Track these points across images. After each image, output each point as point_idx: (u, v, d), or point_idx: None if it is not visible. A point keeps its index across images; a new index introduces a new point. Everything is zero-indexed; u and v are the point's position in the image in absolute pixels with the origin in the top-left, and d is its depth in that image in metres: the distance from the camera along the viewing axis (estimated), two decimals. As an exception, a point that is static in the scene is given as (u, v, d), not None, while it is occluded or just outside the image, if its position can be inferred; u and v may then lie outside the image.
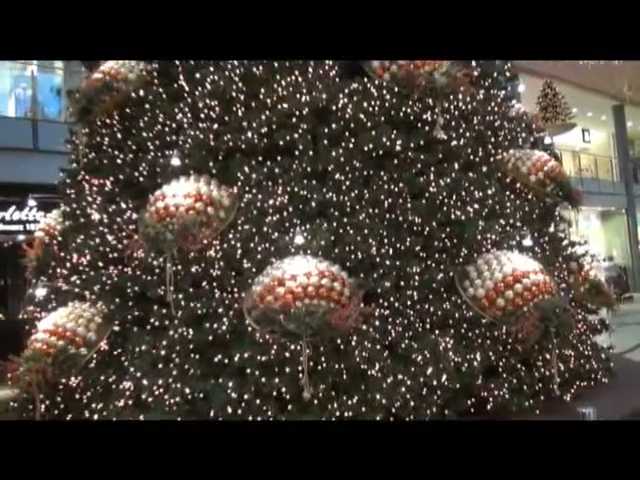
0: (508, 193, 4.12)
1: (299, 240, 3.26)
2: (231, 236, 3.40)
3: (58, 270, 4.02)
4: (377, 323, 3.22)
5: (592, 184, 19.99)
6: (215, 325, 3.21)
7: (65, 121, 9.44)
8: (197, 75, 3.80)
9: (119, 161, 3.93)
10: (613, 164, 22.48)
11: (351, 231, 3.39)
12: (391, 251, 3.47)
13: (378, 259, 3.40)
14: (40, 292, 3.85)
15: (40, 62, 12.91)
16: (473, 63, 4.38)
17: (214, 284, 3.39)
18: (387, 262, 3.42)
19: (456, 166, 3.82)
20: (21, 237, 9.05)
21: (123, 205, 3.75)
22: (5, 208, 8.97)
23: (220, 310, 3.26)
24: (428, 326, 3.43)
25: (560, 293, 3.64)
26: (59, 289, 3.94)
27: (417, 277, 3.44)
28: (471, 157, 4.00)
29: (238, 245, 3.37)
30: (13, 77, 11.90)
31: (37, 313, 4.10)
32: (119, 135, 3.96)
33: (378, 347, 3.18)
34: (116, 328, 3.51)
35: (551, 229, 4.49)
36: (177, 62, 3.92)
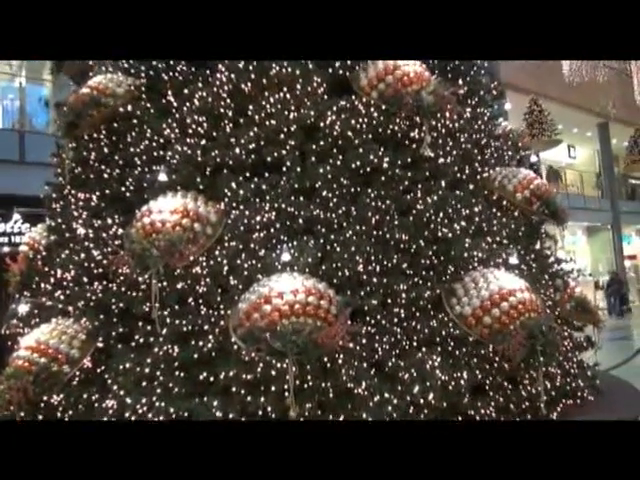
0: (495, 211, 4.15)
1: (286, 257, 3.25)
2: (218, 252, 3.38)
3: (42, 285, 3.97)
4: (364, 341, 3.21)
5: (578, 200, 20.24)
6: (200, 343, 3.18)
7: (52, 133, 9.43)
8: (185, 91, 3.81)
9: (106, 176, 3.91)
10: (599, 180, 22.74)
11: (338, 248, 3.39)
12: (378, 268, 3.47)
13: (365, 276, 3.40)
14: (23, 308, 3.79)
15: (29, 73, 12.88)
16: (460, 82, 4.44)
17: (200, 301, 3.36)
18: (374, 279, 3.42)
19: (443, 184, 3.84)
20: (5, 249, 8.96)
21: (109, 220, 3.72)
22: (-11, 220, 8.88)
23: (206, 327, 3.24)
24: (415, 344, 3.43)
25: (546, 311, 3.66)
26: (42, 305, 3.89)
27: (404, 295, 3.44)
28: (458, 175, 4.03)
29: (225, 262, 3.35)
30: (1, 88, 11.85)
31: (20, 329, 4.04)
32: (106, 150, 3.94)
33: (365, 365, 3.17)
34: (100, 345, 3.46)
35: (537, 246, 4.52)
36: (165, 77, 3.93)
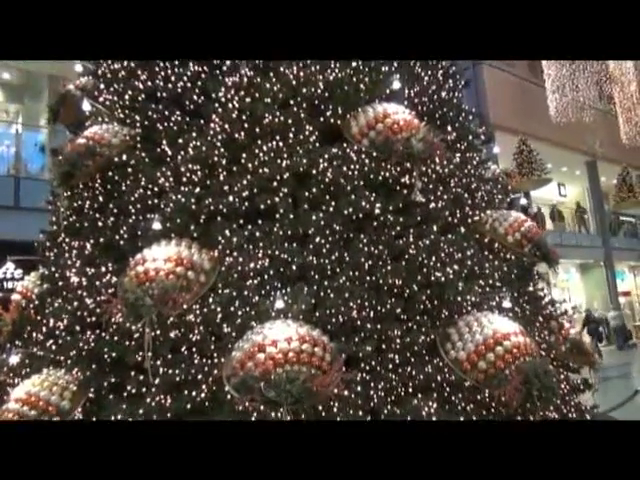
0: (487, 254, 4.19)
1: (280, 304, 3.25)
2: (211, 300, 3.38)
3: (33, 335, 3.94)
4: (359, 388, 3.18)
5: (570, 237, 20.41)
6: (193, 393, 3.14)
7: (48, 179, 9.51)
8: (180, 140, 3.87)
9: (100, 224, 3.93)
10: (590, 217, 23.01)
11: (332, 294, 3.39)
12: (372, 314, 3.47)
13: (359, 322, 3.40)
14: (14, 358, 3.75)
15: (25, 120, 13.08)
16: (449, 128, 4.54)
17: (193, 350, 3.34)
18: (368, 325, 3.41)
19: (435, 228, 3.88)
20: (-2, 295, 8.89)
21: (103, 268, 3.73)
22: (-18, 266, 8.85)
23: (199, 377, 3.20)
24: (411, 390, 3.40)
25: (542, 354, 3.65)
26: (34, 355, 3.85)
27: (399, 340, 3.43)
28: (449, 219, 4.08)
29: (218, 309, 3.34)
30: (-3, 135, 11.99)
31: (10, 379, 3.98)
32: (101, 198, 3.98)
33: (360, 413, 3.13)
34: (91, 396, 3.41)
35: (530, 288, 4.54)
36: (160, 127, 4.00)
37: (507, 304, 3.81)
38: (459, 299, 3.67)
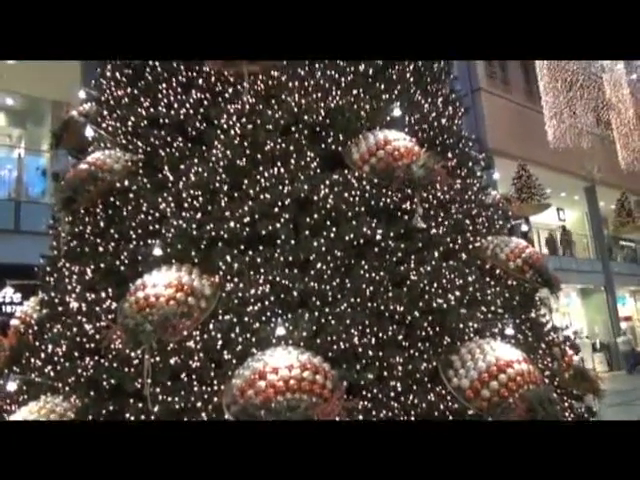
0: (488, 280, 4.17)
1: (281, 331, 3.23)
2: (211, 326, 3.35)
3: (32, 361, 3.90)
4: (360, 417, 3.14)
5: (570, 262, 20.39)
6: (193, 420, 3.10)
7: (48, 203, 9.54)
8: (182, 166, 3.89)
9: (101, 249, 3.92)
10: (589, 242, 23.04)
11: (333, 321, 3.37)
12: (373, 341, 3.44)
13: (360, 349, 3.36)
14: (11, 385, 3.71)
15: (28, 145, 13.18)
16: (449, 154, 4.57)
17: (193, 377, 3.30)
18: (370, 352, 3.38)
19: (436, 254, 3.88)
20: (-4, 319, 8.84)
21: (103, 294, 3.71)
22: (-19, 290, 8.81)
23: (199, 404, 3.16)
24: (413, 419, 3.35)
25: (545, 382, 3.61)
26: (32, 381, 3.80)
27: (400, 367, 3.39)
28: (451, 245, 4.07)
29: (218, 336, 3.32)
30: (-1, 159, 12.08)
31: (7, 406, 3.93)
32: (102, 223, 3.98)
33: (362, 442, 3.08)
34: (89, 424, 3.36)
35: (532, 314, 4.51)
36: (162, 153, 4.02)
37: (509, 331, 3.79)
38: (461, 326, 3.64)
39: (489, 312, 3.95)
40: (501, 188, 13.59)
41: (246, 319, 3.37)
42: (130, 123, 4.23)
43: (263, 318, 3.41)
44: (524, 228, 5.25)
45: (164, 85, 4.22)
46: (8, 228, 9.00)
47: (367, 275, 3.60)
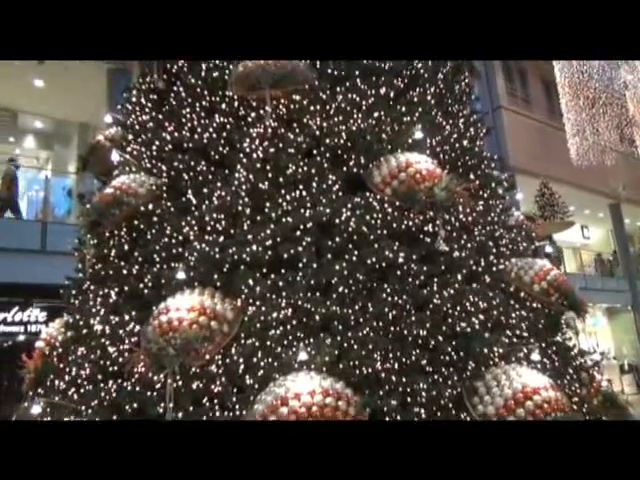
0: (513, 303, 4.10)
1: (303, 355, 3.21)
2: (234, 351, 3.35)
3: (56, 383, 3.94)
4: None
5: (595, 281, 19.98)
6: (215, 446, 3.08)
7: (73, 223, 9.71)
8: (205, 190, 3.94)
9: (125, 272, 3.97)
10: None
11: (355, 346, 3.34)
12: (396, 366, 3.39)
13: (383, 375, 3.32)
14: (36, 409, 3.73)
15: (55, 166, 13.50)
16: (471, 176, 4.55)
17: (215, 401, 3.29)
18: (393, 378, 3.33)
19: (459, 277, 3.83)
20: (21, 337, 8.99)
21: (126, 317, 3.74)
22: (8, 309, 8.96)
23: (221, 430, 3.15)
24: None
25: (573, 409, 3.52)
26: (55, 404, 3.83)
27: (424, 394, 3.34)
28: (474, 268, 4.03)
29: (240, 360, 3.31)
30: (27, 180, 12.37)
31: (31, 428, 3.96)
32: (126, 247, 4.03)
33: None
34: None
35: (558, 338, 4.42)
36: (186, 177, 4.07)
37: (536, 356, 3.71)
38: (486, 351, 3.58)
39: (514, 336, 3.88)
40: (523, 206, 13.45)
41: (268, 343, 3.36)
42: (155, 147, 4.30)
43: (285, 342, 3.40)
44: (548, 249, 5.16)
45: (188, 110, 4.30)
46: (35, 249, 9.15)
47: (389, 299, 3.57)
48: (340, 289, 3.53)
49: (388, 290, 3.61)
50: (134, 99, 4.78)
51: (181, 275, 3.57)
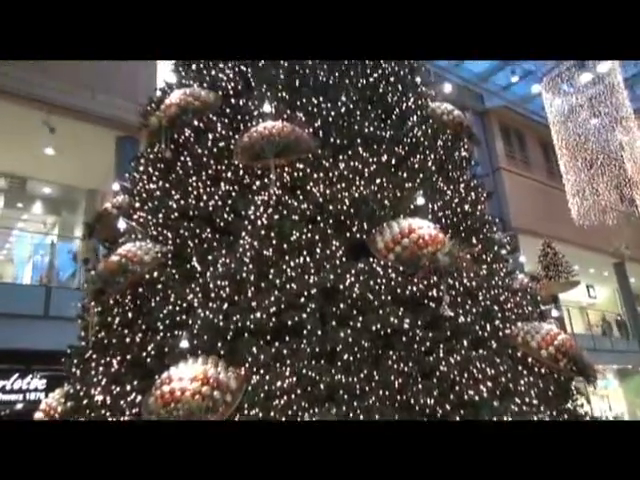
0: (521, 369, 4.03)
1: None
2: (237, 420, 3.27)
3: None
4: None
5: (604, 341, 19.65)
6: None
7: (77, 287, 9.72)
8: (209, 257, 3.97)
9: (128, 340, 3.94)
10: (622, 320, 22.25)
11: (361, 416, 3.26)
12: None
13: (391, 446, 3.23)
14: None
15: (61, 232, 13.65)
16: (474, 239, 4.58)
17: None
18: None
19: (465, 343, 3.79)
20: (20, 406, 8.80)
21: (128, 387, 3.68)
22: (7, 376, 8.82)
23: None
24: None
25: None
26: None
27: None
28: (480, 333, 3.98)
29: (244, 432, 3.23)
30: (33, 245, 12.49)
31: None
32: (130, 314, 4.02)
33: None
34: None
35: (569, 405, 4.30)
36: (191, 244, 4.12)
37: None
38: (495, 419, 3.49)
39: (523, 404, 3.78)
40: (527, 266, 13.42)
41: (272, 414, 3.29)
42: (161, 215, 4.37)
43: (289, 412, 3.32)
44: (555, 313, 5.12)
45: (194, 178, 4.40)
46: (38, 314, 9.10)
47: (395, 366, 3.52)
48: (345, 357, 3.49)
49: (394, 357, 3.57)
50: (142, 168, 4.89)
51: (184, 343, 3.54)
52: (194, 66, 5.12)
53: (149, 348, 3.78)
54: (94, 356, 4.07)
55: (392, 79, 5.14)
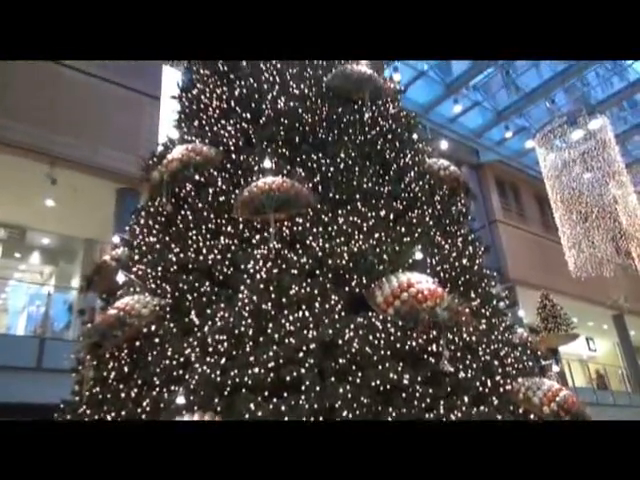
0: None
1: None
2: None
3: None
4: None
5: (606, 395, 19.34)
6: None
7: (71, 339, 9.60)
8: (208, 310, 3.96)
9: (123, 395, 3.87)
10: (624, 373, 21.98)
11: (361, 476, 3.17)
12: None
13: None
14: None
15: (58, 282, 13.61)
16: (472, 294, 4.58)
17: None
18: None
19: (466, 399, 3.74)
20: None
21: (121, 444, 3.58)
22: (-4, 431, 8.56)
23: None
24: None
25: None
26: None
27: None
28: (480, 389, 3.93)
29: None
30: (29, 295, 12.40)
31: None
32: (126, 368, 3.97)
33: None
34: None
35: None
36: (189, 297, 4.11)
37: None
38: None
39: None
40: (526, 318, 13.35)
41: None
42: (160, 268, 4.38)
43: (287, 472, 3.23)
44: (555, 369, 5.07)
45: (194, 232, 4.44)
46: (30, 366, 8.94)
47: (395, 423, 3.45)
48: (344, 413, 3.42)
49: (393, 414, 3.50)
50: (142, 221, 4.94)
51: (181, 400, 3.48)
52: (196, 122, 5.25)
53: (144, 403, 3.71)
54: (88, 412, 3.98)
55: (390, 136, 5.27)
